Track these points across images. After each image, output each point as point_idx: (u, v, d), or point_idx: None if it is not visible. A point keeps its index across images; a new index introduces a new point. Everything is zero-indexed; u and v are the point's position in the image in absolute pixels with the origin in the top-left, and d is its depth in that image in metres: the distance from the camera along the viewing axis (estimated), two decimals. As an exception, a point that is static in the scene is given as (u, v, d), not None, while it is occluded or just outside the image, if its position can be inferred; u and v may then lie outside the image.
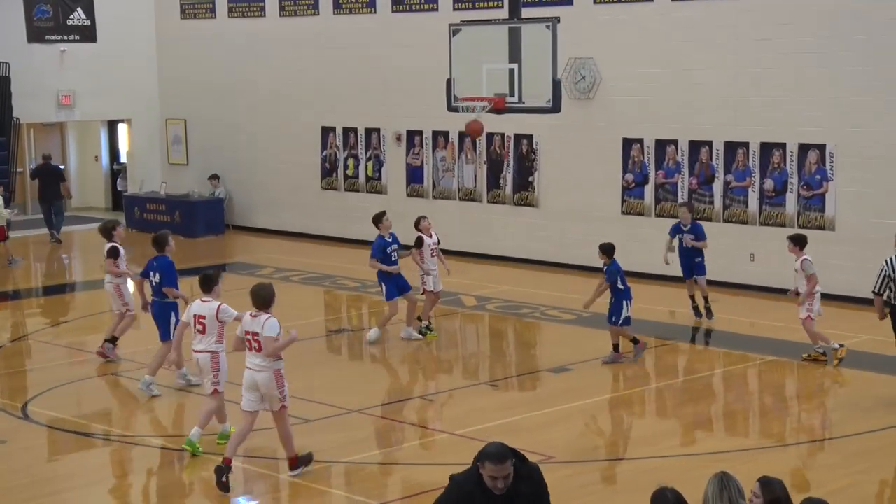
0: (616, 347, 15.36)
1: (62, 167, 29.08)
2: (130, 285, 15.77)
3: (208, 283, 12.41)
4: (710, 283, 20.12)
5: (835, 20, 18.69)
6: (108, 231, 15.73)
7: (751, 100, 19.68)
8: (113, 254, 15.41)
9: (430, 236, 16.91)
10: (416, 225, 16.98)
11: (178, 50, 28.82)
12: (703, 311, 17.75)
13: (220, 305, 12.26)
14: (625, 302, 15.24)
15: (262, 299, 11.14)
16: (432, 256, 16.85)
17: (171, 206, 27.58)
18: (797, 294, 15.44)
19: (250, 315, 11.17)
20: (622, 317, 15.24)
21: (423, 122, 24.05)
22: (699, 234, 17.71)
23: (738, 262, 19.89)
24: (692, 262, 17.74)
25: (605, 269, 15.45)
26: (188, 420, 13.05)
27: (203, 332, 12.21)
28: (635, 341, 15.43)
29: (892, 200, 18.42)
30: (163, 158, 29.58)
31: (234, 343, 11.55)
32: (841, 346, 15.31)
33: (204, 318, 12.19)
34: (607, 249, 15.48)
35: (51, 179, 26.47)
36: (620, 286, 15.29)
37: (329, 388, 14.26)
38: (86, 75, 28.06)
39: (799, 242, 15.45)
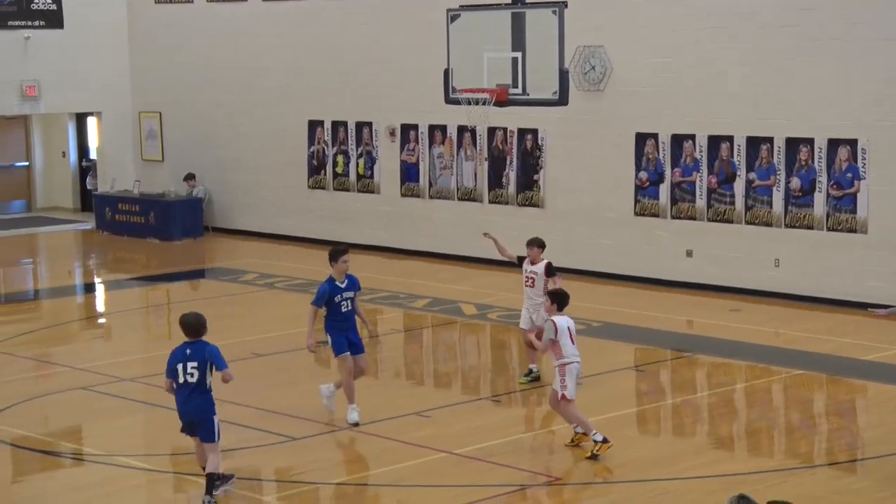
0: None
1: None
2: None
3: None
4: (731, 289, 20.22)
5: (865, 3, 18.74)
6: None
7: (775, 91, 19.72)
8: None
9: None
10: None
11: (153, 37, 28.86)
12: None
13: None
14: None
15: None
16: None
17: (146, 206, 27.62)
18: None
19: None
20: None
21: (419, 116, 24.09)
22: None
23: (762, 267, 19.93)
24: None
25: None
26: (162, 438, 13.08)
27: None
28: None
29: (929, 201, 18.47)
30: (136, 155, 29.62)
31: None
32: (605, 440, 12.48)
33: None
34: None
35: None
36: None
37: (316, 404, 14.28)
38: (52, 64, 28.09)
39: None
